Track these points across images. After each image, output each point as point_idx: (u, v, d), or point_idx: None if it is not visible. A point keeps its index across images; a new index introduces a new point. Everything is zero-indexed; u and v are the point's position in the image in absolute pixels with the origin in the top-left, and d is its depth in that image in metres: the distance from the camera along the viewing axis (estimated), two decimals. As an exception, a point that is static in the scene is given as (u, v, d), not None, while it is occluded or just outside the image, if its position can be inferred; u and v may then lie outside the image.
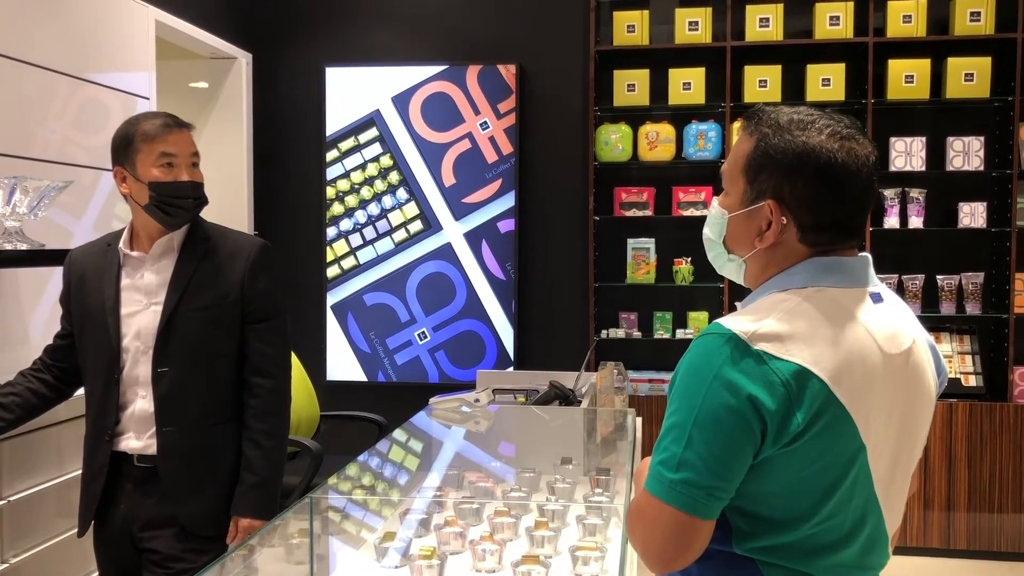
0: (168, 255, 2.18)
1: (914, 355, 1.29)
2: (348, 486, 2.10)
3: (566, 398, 2.76)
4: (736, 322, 1.22)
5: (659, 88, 4.61)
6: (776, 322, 1.21)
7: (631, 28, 4.59)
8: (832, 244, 1.29)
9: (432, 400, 2.73)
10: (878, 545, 1.29)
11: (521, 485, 2.26)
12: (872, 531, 1.28)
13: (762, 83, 4.49)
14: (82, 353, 2.19)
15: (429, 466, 2.44)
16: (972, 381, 4.46)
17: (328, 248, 4.98)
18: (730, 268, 1.39)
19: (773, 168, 1.28)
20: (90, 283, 2.18)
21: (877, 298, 1.30)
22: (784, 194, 1.27)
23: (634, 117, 4.68)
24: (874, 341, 1.24)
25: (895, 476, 1.30)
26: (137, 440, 2.13)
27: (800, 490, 1.22)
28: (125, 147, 2.13)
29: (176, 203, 2.13)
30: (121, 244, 2.19)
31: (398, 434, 2.57)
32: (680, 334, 4.64)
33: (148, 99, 3.90)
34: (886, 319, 1.28)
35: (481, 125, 4.85)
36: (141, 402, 2.13)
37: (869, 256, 1.33)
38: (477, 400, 2.66)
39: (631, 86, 4.60)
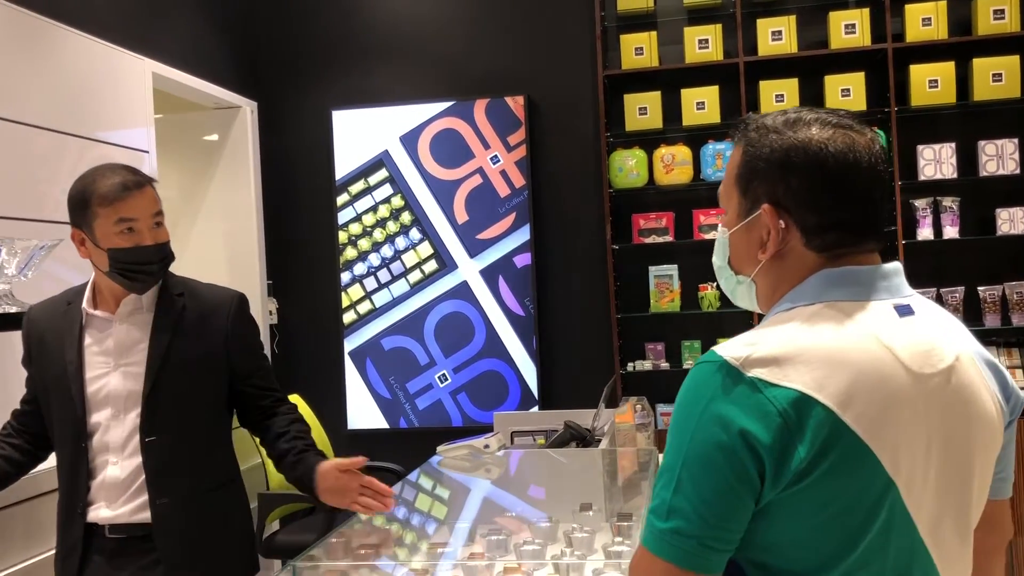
0: (137, 314, 2.04)
1: (958, 375, 1.10)
2: (342, 547, 1.94)
3: (583, 439, 2.59)
4: (729, 347, 1.07)
5: (672, 109, 4.47)
6: (773, 344, 1.05)
7: (639, 51, 4.47)
8: (843, 247, 1.12)
9: (440, 448, 2.57)
10: None
11: (535, 536, 2.09)
12: None
13: (779, 98, 4.33)
14: (48, 419, 2.06)
15: (437, 520, 2.28)
16: (1024, 396, 4.20)
17: (343, 293, 4.87)
18: (741, 292, 1.24)
19: (764, 171, 1.14)
20: (50, 345, 2.04)
21: (905, 311, 1.11)
22: (779, 196, 1.13)
23: (648, 141, 4.53)
24: (897, 360, 1.06)
25: (945, 519, 1.10)
26: (109, 510, 1.99)
27: (819, 538, 1.04)
28: (81, 210, 1.97)
29: (140, 269, 1.99)
30: (84, 303, 2.06)
31: (405, 486, 2.41)
32: (710, 363, 4.44)
33: (148, 152, 3.83)
34: (916, 334, 1.10)
35: (492, 159, 4.73)
36: (113, 469, 1.99)
37: (897, 264, 1.15)
38: (487, 446, 2.50)
39: (643, 109, 4.46)
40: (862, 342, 1.06)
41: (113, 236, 1.95)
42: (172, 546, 1.99)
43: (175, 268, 2.17)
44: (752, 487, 1.02)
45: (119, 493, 1.99)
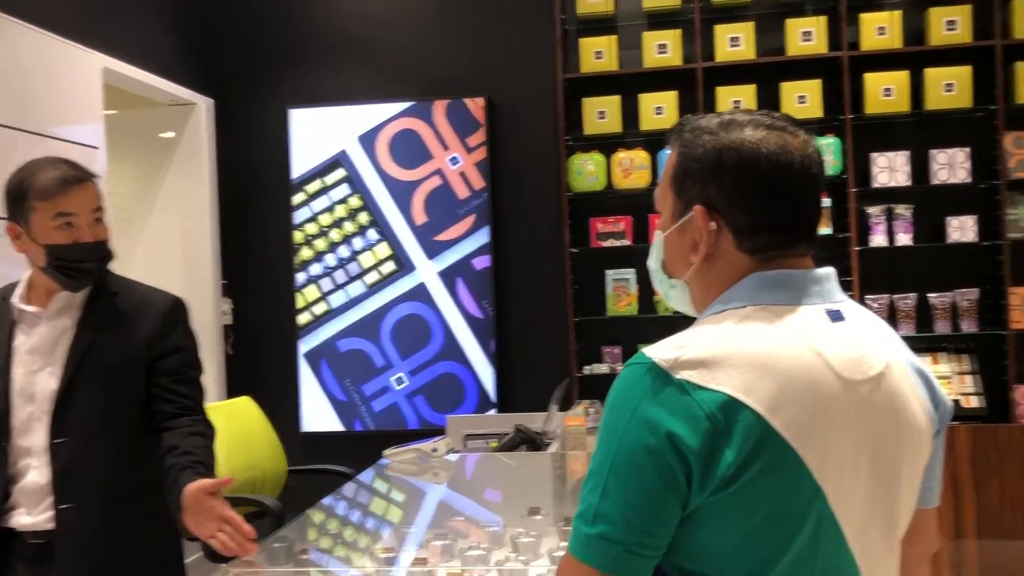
0: (68, 311, 1.98)
1: (888, 382, 1.09)
2: (282, 552, 1.90)
3: (533, 442, 2.58)
4: (659, 349, 1.05)
5: (631, 114, 4.48)
6: (703, 347, 1.04)
7: (599, 54, 4.47)
8: (774, 249, 1.11)
9: (386, 452, 2.54)
10: None
11: (481, 541, 2.07)
12: None
13: (736, 103, 4.35)
14: None
15: (381, 524, 2.24)
16: (973, 402, 4.26)
17: (298, 294, 4.81)
18: (675, 296, 1.22)
19: (697, 172, 1.13)
20: None
21: (836, 316, 1.10)
22: (711, 197, 1.12)
23: (607, 145, 4.53)
24: (827, 365, 1.05)
25: (872, 527, 1.09)
26: (29, 516, 1.92)
27: (747, 545, 1.02)
28: (18, 203, 1.90)
29: (78, 267, 1.93)
30: (15, 298, 2.00)
31: (349, 491, 2.38)
32: (666, 367, 4.46)
33: (98, 148, 3.76)
34: (847, 341, 1.08)
35: (451, 160, 4.71)
36: (34, 473, 1.93)
37: (830, 269, 1.15)
38: (435, 450, 2.48)
39: (602, 113, 4.47)
40: (793, 347, 1.05)
41: (51, 231, 1.89)
42: (74, 555, 1.91)
43: (121, 267, 2.11)
44: (679, 492, 1.01)
45: (40, 498, 1.92)
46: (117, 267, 2.10)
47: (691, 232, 1.14)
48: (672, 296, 1.23)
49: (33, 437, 1.93)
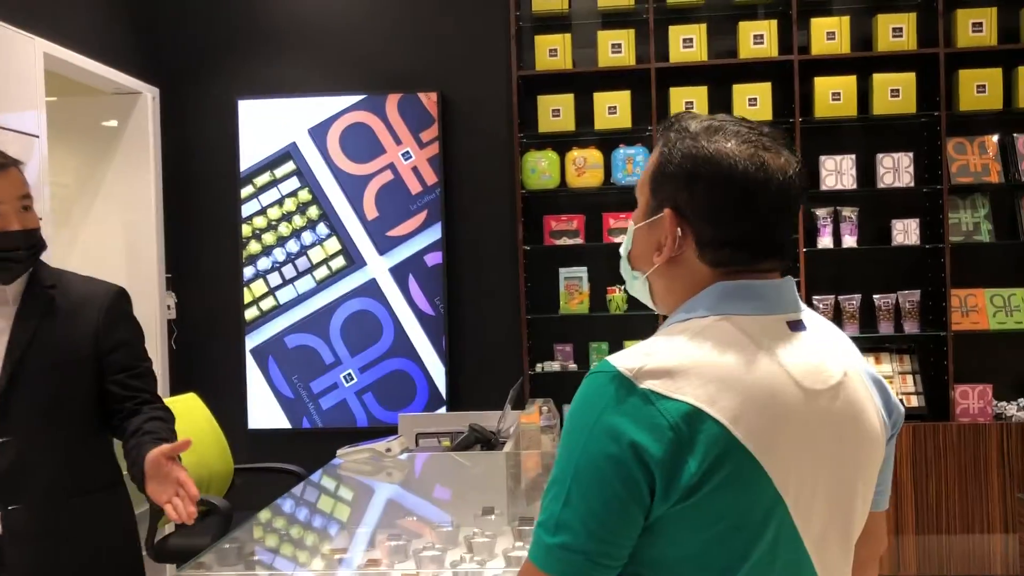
0: (3, 307, 1.91)
1: (846, 391, 1.11)
2: (236, 553, 1.86)
3: (487, 441, 2.57)
4: (623, 358, 1.04)
5: (585, 113, 4.48)
6: (667, 356, 1.04)
7: (553, 52, 4.47)
8: (736, 264, 1.11)
9: (340, 451, 2.51)
10: None
11: (436, 541, 2.05)
12: None
13: (689, 104, 4.39)
14: None
15: (334, 525, 2.21)
16: (914, 401, 4.37)
17: (245, 289, 4.73)
18: (636, 287, 1.23)
19: (672, 176, 1.12)
20: None
21: (797, 326, 1.11)
22: (681, 203, 1.11)
23: (560, 143, 4.54)
24: (789, 376, 1.06)
25: (830, 533, 1.10)
26: None
27: (708, 554, 1.03)
28: None
29: (6, 256, 1.86)
30: None
31: (301, 491, 2.34)
32: (617, 365, 4.48)
33: (38, 137, 3.64)
34: (807, 351, 1.10)
35: (403, 155, 4.67)
36: None
37: (791, 279, 1.16)
38: (388, 450, 2.45)
39: (556, 111, 4.47)
40: (755, 357, 1.05)
41: None
42: (22, 557, 1.86)
43: (61, 258, 2.05)
44: (642, 501, 1.00)
45: None
46: (57, 258, 2.04)
47: (658, 232, 1.14)
48: (634, 287, 1.24)
49: None
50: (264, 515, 2.10)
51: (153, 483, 1.77)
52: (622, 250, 1.24)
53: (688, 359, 1.03)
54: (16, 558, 1.85)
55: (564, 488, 1.02)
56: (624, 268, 1.24)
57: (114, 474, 2.05)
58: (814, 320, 1.16)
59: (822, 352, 1.11)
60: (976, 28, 4.27)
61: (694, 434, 0.99)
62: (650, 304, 1.23)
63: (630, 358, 1.04)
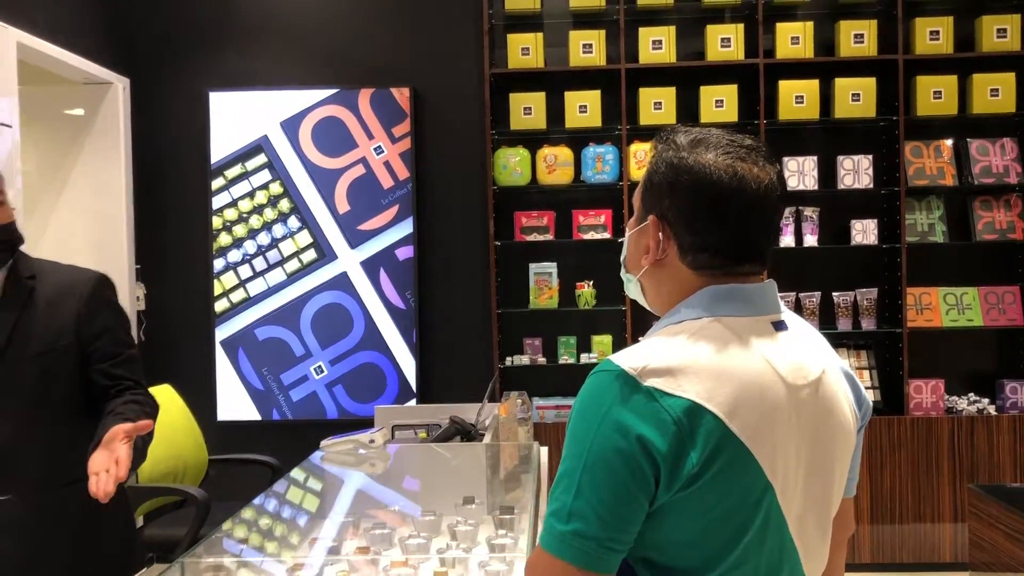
0: None
1: (824, 386, 1.21)
2: (229, 542, 1.91)
3: (467, 433, 2.64)
4: (626, 358, 1.13)
5: (556, 111, 4.56)
6: (668, 356, 1.13)
7: (526, 51, 4.54)
8: (715, 268, 1.21)
9: (323, 443, 2.56)
10: None
11: (420, 530, 2.11)
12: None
13: (657, 105, 4.49)
14: None
15: (322, 515, 2.27)
16: (870, 396, 4.52)
17: (216, 281, 4.73)
18: (631, 288, 1.33)
19: (658, 185, 1.23)
20: None
21: (780, 326, 1.22)
22: (664, 210, 1.22)
23: (532, 140, 4.61)
24: (775, 373, 1.16)
25: (809, 517, 1.20)
26: None
27: (705, 537, 1.12)
28: None
29: None
30: None
31: (287, 482, 2.39)
32: (584, 358, 4.57)
33: (10, 127, 3.62)
34: (790, 349, 1.20)
35: (375, 150, 4.70)
36: None
37: (772, 282, 1.25)
38: (372, 441, 2.51)
39: (527, 109, 4.54)
40: (746, 356, 1.15)
41: None
42: (15, 547, 1.87)
43: (29, 248, 2.05)
44: (648, 490, 1.09)
45: None
46: (26, 248, 2.04)
47: (646, 238, 1.24)
48: (629, 288, 1.34)
49: None
50: (248, 506, 2.15)
51: (98, 453, 1.74)
52: (621, 255, 1.35)
53: (687, 358, 1.12)
54: (9, 549, 1.87)
55: (575, 480, 1.09)
56: (623, 271, 1.34)
57: None
58: (793, 320, 1.26)
59: (802, 350, 1.21)
60: (933, 36, 4.43)
61: (694, 428, 1.08)
62: (644, 304, 1.33)
63: (633, 358, 1.13)
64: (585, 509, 1.08)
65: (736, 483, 1.10)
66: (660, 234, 1.21)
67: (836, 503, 1.26)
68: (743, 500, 1.11)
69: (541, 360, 4.62)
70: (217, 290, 4.74)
